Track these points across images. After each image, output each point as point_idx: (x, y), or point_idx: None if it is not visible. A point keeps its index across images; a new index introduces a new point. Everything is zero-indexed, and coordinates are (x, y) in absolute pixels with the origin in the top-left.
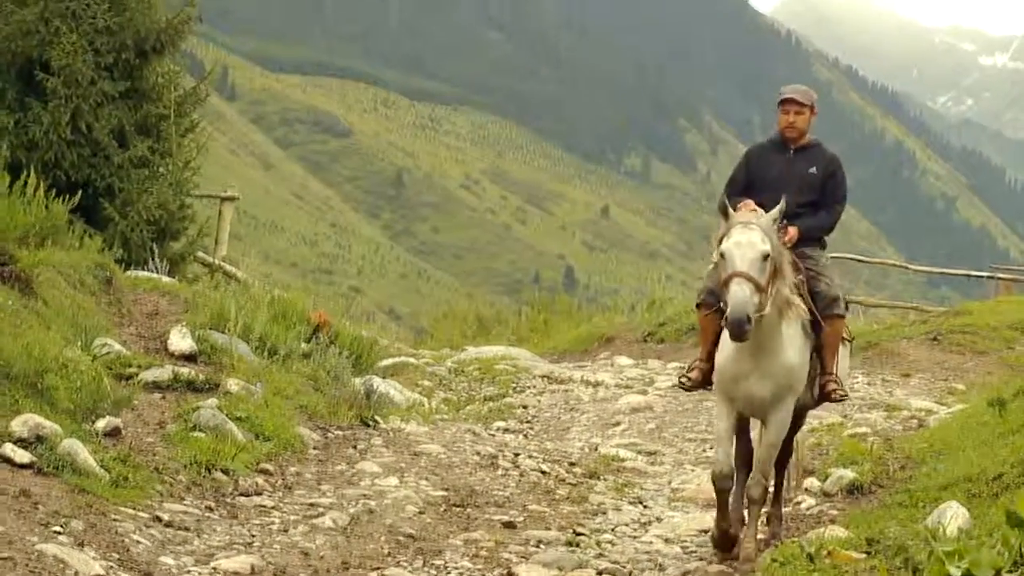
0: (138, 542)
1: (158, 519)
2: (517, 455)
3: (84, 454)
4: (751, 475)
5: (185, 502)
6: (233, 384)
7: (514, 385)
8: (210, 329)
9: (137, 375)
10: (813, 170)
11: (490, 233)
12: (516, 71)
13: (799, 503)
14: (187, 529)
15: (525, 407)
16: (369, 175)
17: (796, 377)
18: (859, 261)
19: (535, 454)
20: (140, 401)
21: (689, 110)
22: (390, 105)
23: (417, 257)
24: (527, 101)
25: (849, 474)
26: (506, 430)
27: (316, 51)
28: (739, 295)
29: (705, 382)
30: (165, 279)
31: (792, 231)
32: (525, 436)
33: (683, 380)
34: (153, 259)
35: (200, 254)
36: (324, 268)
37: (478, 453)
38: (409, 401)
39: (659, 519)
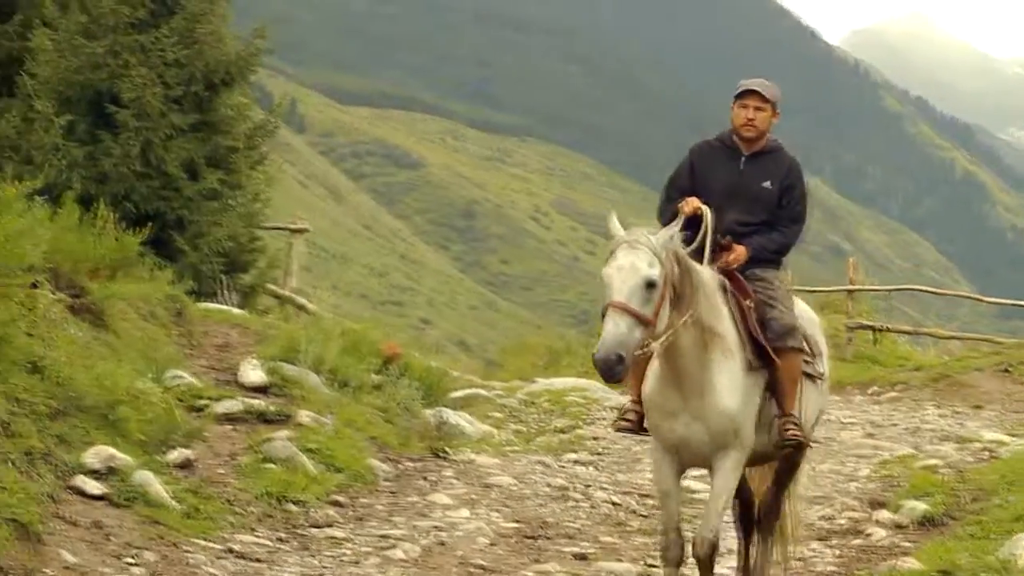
0: (211, 573)
1: (230, 550)
2: (588, 487)
3: (156, 485)
4: (698, 528)
5: (257, 533)
6: (304, 416)
7: (585, 416)
8: (281, 361)
9: (208, 407)
10: (767, 184)
11: (559, 264)
12: (590, 103)
13: (870, 535)
14: (259, 560)
15: (596, 438)
16: (439, 207)
17: (736, 421)
18: (931, 293)
19: (606, 485)
20: (211, 433)
21: None
22: (460, 137)
23: (487, 288)
24: (600, 133)
25: (921, 506)
26: (577, 462)
27: (386, 83)
28: (610, 331)
29: (642, 425)
30: (236, 311)
31: (739, 251)
32: (596, 468)
33: (619, 423)
34: (224, 291)
35: (270, 286)
36: (394, 300)
37: (549, 485)
38: (480, 433)
39: (730, 550)
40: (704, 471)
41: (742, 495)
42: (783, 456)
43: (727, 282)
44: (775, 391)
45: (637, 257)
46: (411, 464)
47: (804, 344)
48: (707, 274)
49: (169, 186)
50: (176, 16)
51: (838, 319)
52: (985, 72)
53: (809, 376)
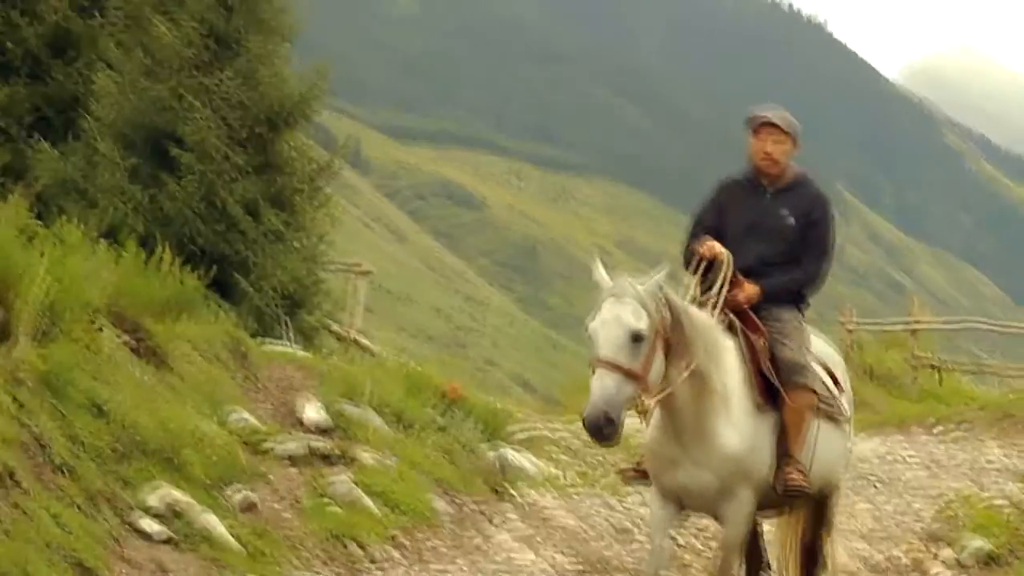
0: None
1: None
2: None
3: (219, 527)
4: None
5: (320, 574)
6: (367, 456)
7: None
8: (344, 402)
9: (271, 448)
10: (791, 220)
11: None
12: (649, 141)
13: (934, 574)
14: None
15: None
16: (502, 247)
17: (745, 464)
18: (995, 330)
19: None
20: (274, 474)
21: (820, 178)
22: (522, 176)
23: (550, 328)
24: (659, 170)
25: (985, 545)
26: (641, 503)
27: (448, 122)
28: (597, 390)
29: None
30: (299, 352)
31: (751, 289)
32: None
33: (629, 473)
34: (287, 332)
35: (334, 327)
36: (458, 340)
37: (613, 526)
38: (543, 473)
39: None
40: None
41: (756, 551)
42: (812, 504)
43: (736, 320)
44: (783, 432)
45: (623, 309)
46: (473, 505)
47: (816, 383)
48: (706, 318)
49: (232, 227)
50: (239, 58)
51: (901, 357)
52: None
53: (831, 417)
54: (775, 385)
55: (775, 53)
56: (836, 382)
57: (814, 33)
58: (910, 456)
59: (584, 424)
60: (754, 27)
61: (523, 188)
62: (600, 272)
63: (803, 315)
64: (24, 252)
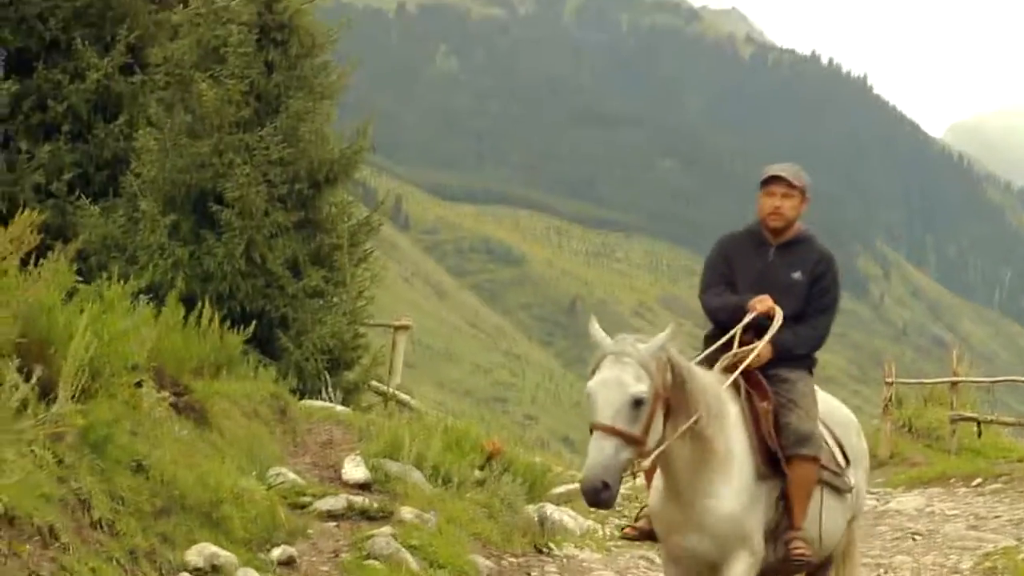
0: None
1: None
2: None
3: None
4: None
5: None
6: (407, 512)
7: None
8: (384, 458)
9: (311, 504)
10: (797, 275)
11: None
12: (689, 198)
13: None
14: None
15: None
16: (542, 303)
17: (743, 527)
18: None
19: None
20: (314, 530)
21: (862, 234)
22: (563, 233)
23: None
24: (700, 228)
25: None
26: None
27: (489, 180)
28: (595, 455)
29: (648, 534)
30: (339, 408)
31: (762, 350)
32: None
33: (627, 530)
34: (327, 388)
35: (374, 383)
36: (498, 396)
37: None
38: (583, 528)
39: None
40: None
41: None
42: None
43: (743, 382)
44: (786, 501)
45: (623, 371)
46: (514, 560)
47: (822, 453)
48: (710, 379)
49: (272, 284)
50: (280, 115)
51: (942, 411)
52: None
53: (835, 488)
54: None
55: (816, 109)
56: (843, 448)
57: (854, 89)
58: (950, 509)
59: (580, 489)
60: (794, 84)
61: (563, 245)
62: (598, 330)
63: (812, 374)
64: (65, 310)
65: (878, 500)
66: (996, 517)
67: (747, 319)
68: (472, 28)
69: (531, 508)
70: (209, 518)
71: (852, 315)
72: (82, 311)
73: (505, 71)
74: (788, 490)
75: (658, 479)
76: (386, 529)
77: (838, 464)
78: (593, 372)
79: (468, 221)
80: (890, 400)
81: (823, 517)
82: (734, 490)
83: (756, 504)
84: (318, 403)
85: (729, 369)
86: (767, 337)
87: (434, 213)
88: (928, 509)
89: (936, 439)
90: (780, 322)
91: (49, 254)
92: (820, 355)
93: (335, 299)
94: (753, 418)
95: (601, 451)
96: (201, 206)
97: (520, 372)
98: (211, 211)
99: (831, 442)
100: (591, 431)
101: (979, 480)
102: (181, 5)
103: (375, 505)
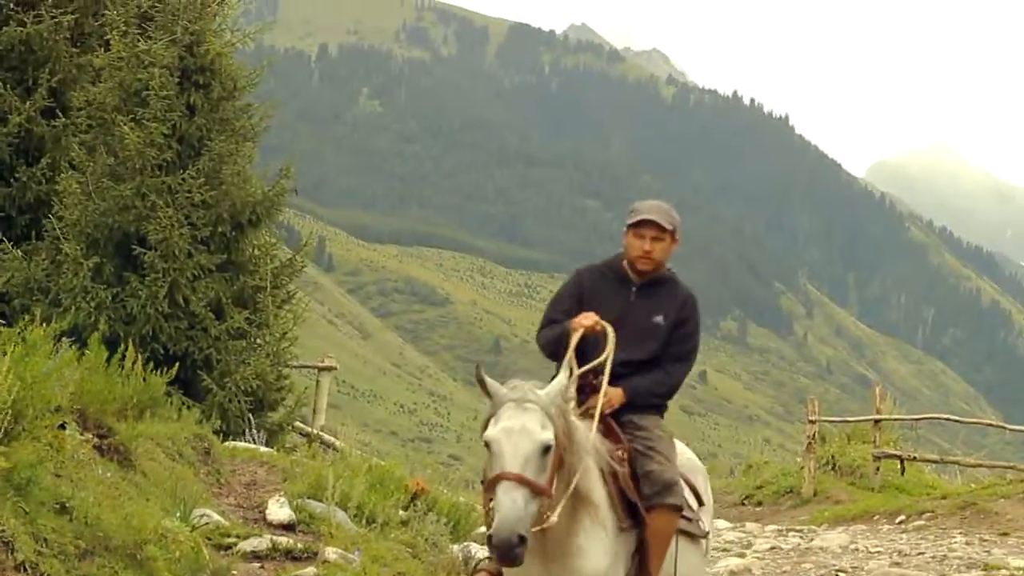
0: None
1: None
2: None
3: None
4: None
5: None
6: (331, 552)
7: None
8: (308, 498)
9: (236, 545)
10: (659, 318)
11: None
12: (613, 238)
13: None
14: None
15: None
16: (466, 343)
17: None
18: (956, 421)
19: None
20: (239, 570)
21: (784, 273)
22: (486, 273)
23: None
24: None
25: None
26: None
27: (413, 221)
28: (507, 508)
29: None
30: (263, 449)
31: (616, 394)
32: None
33: None
34: (251, 429)
35: (298, 423)
36: (424, 436)
37: None
38: None
39: None
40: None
41: None
42: None
43: (597, 432)
44: (642, 553)
45: (528, 418)
46: None
47: (684, 501)
48: (583, 427)
49: (196, 326)
50: (202, 157)
51: (865, 449)
52: (1007, 199)
53: (689, 535)
54: (637, 504)
55: (738, 149)
56: (696, 494)
57: (776, 129)
58: (874, 547)
59: (492, 544)
60: (717, 124)
61: (487, 285)
62: (490, 380)
63: (663, 419)
64: None
65: (802, 538)
66: (920, 554)
67: (575, 340)
68: (394, 69)
69: (456, 547)
70: (134, 559)
71: (775, 353)
72: (4, 353)
73: (428, 112)
74: (646, 541)
75: None
76: (310, 570)
77: (693, 509)
78: (489, 421)
79: (392, 262)
80: (813, 438)
81: (678, 566)
82: (603, 547)
83: (619, 561)
84: (242, 444)
85: (585, 414)
86: (608, 349)
87: (358, 254)
88: (852, 546)
89: (860, 476)
90: (613, 337)
91: None
92: (744, 393)
93: (258, 340)
94: (610, 468)
95: (513, 503)
96: (124, 249)
97: (445, 412)
98: (134, 254)
99: (684, 487)
100: (491, 486)
101: (903, 517)
102: (103, 49)
103: (299, 545)
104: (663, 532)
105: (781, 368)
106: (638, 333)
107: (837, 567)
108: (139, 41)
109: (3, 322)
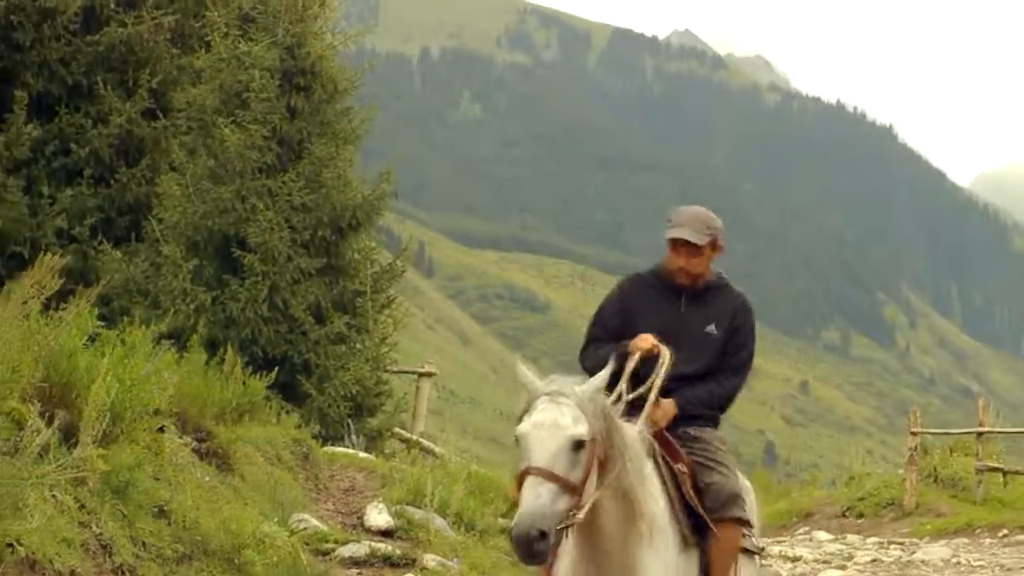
0: None
1: None
2: None
3: None
4: None
5: None
6: (430, 559)
7: None
8: (407, 504)
9: (334, 550)
10: (712, 328)
11: None
12: None
13: None
14: None
15: None
16: (567, 349)
17: None
18: None
19: None
20: None
21: (887, 283)
22: (587, 280)
23: None
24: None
25: None
26: None
27: (513, 226)
28: (530, 502)
29: None
30: (362, 454)
31: (667, 406)
32: None
33: None
34: (350, 434)
35: (397, 429)
36: None
37: None
38: None
39: None
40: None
41: None
42: None
43: (655, 444)
44: (708, 571)
45: (560, 412)
46: None
47: (748, 514)
48: (633, 434)
49: (295, 330)
50: (303, 160)
51: (968, 461)
52: None
53: (747, 551)
54: (702, 518)
55: (841, 157)
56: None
57: (880, 137)
58: (976, 560)
59: (512, 540)
60: (819, 132)
61: (587, 291)
62: (525, 371)
63: (718, 429)
64: (87, 354)
65: (903, 551)
66: (1022, 568)
67: (632, 363)
68: (496, 74)
69: None
70: (231, 563)
71: (878, 364)
72: (104, 355)
73: (529, 117)
74: (711, 557)
75: (569, 547)
76: None
77: (751, 525)
78: (523, 416)
79: (492, 267)
80: (916, 450)
81: None
82: (663, 564)
83: None
84: (341, 449)
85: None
86: (660, 374)
87: (457, 259)
88: (954, 560)
89: (962, 489)
90: (668, 360)
91: (71, 298)
92: (846, 403)
93: (358, 345)
94: (673, 481)
95: (537, 497)
96: (224, 251)
97: None
98: (234, 256)
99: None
100: (519, 481)
101: (1005, 531)
102: (204, 50)
103: (398, 552)
104: (728, 547)
105: (883, 379)
106: (691, 345)
107: None
108: (240, 43)
109: (103, 324)
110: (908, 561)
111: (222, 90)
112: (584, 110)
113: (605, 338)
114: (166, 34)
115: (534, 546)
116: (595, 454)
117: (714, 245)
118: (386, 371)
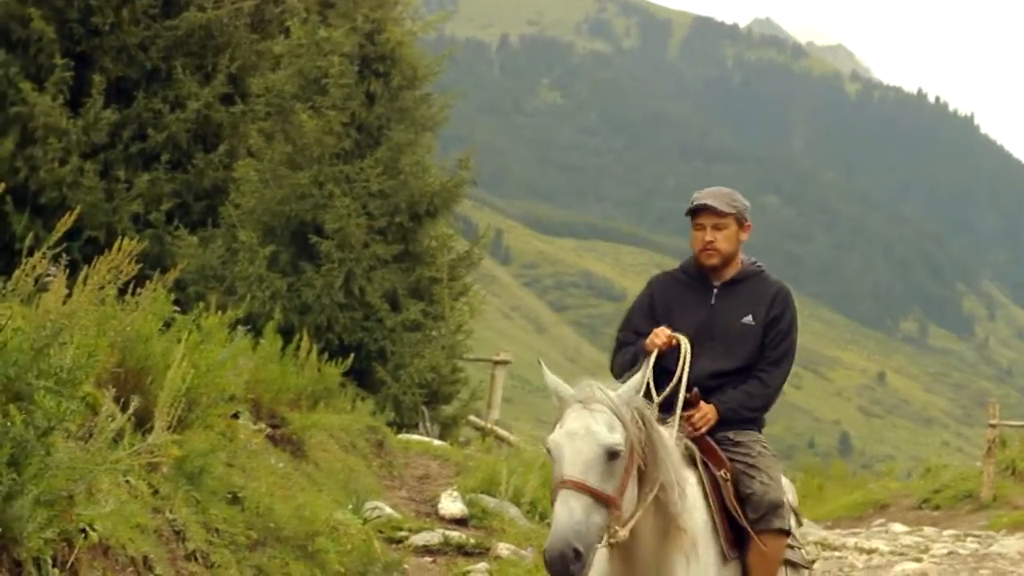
0: None
1: None
2: None
3: None
4: None
5: None
6: (504, 548)
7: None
8: (481, 493)
9: (407, 538)
10: (748, 319)
11: None
12: (792, 234)
13: None
14: None
15: None
16: None
17: None
18: None
19: None
20: (410, 564)
21: (967, 274)
22: (664, 268)
23: None
24: (803, 265)
25: None
26: None
27: (590, 214)
28: (563, 518)
29: None
30: (436, 442)
31: (707, 409)
32: None
33: None
34: (424, 422)
35: (472, 417)
36: None
37: None
38: None
39: None
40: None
41: None
42: None
43: (696, 449)
44: None
45: (594, 420)
46: None
47: (791, 525)
48: (669, 438)
49: (371, 317)
50: (380, 147)
51: None
52: None
53: (793, 564)
54: (743, 529)
55: (921, 148)
56: (796, 515)
57: (961, 128)
58: None
59: (545, 559)
60: (900, 122)
61: None
62: (554, 378)
63: (761, 433)
64: (162, 339)
65: (980, 543)
66: None
67: (649, 363)
68: (575, 61)
69: None
70: (304, 551)
71: (956, 356)
72: (179, 341)
73: (608, 105)
74: (751, 566)
75: (598, 561)
76: (483, 565)
77: (795, 535)
78: (554, 425)
79: (569, 256)
80: (994, 442)
81: None
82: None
83: None
84: (415, 437)
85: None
86: (682, 367)
87: (534, 247)
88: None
89: None
90: (689, 349)
91: (147, 283)
92: (924, 395)
93: (434, 333)
94: (714, 490)
95: (571, 513)
96: (300, 237)
97: None
98: (310, 242)
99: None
100: (554, 493)
101: None
102: (282, 36)
103: (472, 540)
104: (771, 560)
105: (961, 370)
106: (727, 338)
107: (1016, 574)
108: (319, 28)
109: (178, 309)
110: (985, 554)
111: (300, 76)
112: (664, 98)
113: (635, 342)
114: (245, 19)
115: (570, 567)
116: (632, 463)
117: (741, 223)
118: (461, 359)
